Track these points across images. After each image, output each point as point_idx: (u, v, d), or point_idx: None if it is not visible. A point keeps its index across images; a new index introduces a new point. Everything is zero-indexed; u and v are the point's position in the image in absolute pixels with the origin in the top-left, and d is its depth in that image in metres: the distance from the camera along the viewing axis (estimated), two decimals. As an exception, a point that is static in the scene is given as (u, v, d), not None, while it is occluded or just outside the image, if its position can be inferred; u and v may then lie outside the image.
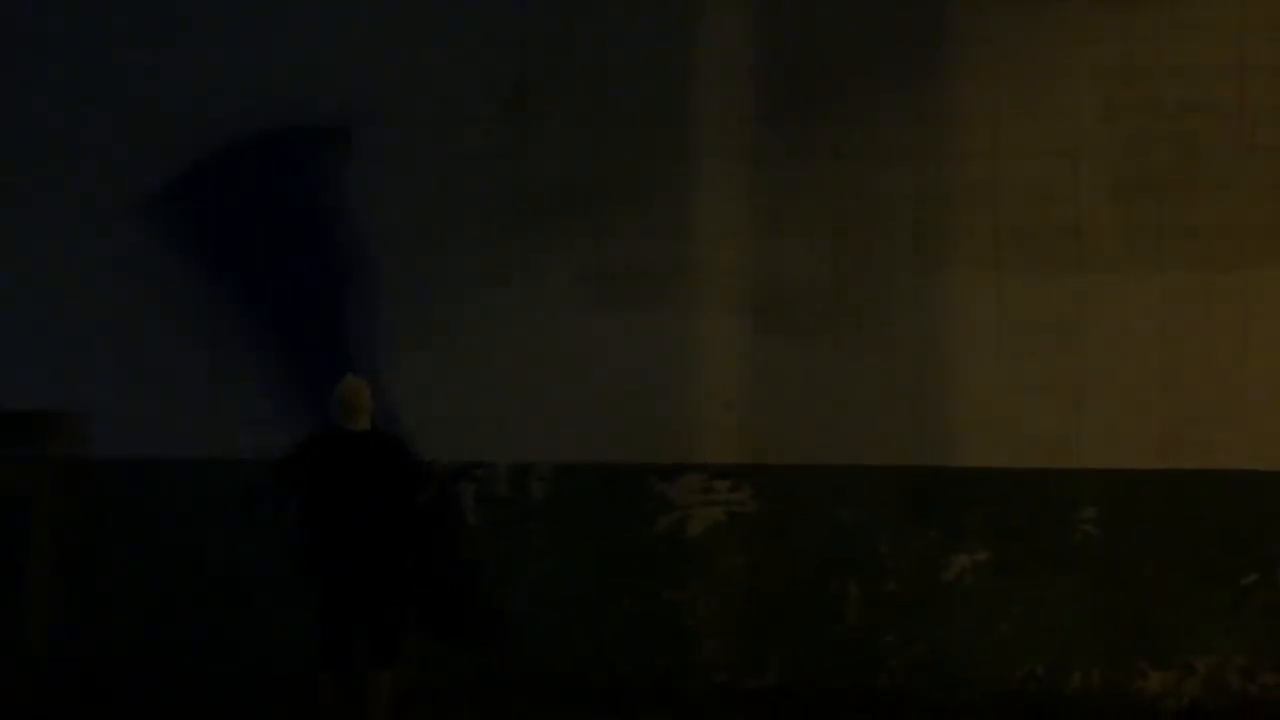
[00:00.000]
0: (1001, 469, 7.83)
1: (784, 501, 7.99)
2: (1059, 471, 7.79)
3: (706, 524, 8.04)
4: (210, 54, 8.49)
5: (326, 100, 8.35)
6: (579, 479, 8.10)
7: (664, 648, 8.00)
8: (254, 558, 8.15)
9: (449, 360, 8.20)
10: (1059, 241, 7.91)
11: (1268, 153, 7.74)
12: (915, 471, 7.90)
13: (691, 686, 7.96)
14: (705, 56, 8.22)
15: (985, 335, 7.93)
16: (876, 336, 8.00)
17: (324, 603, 6.85)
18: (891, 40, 8.09)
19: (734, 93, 8.19)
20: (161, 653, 8.24)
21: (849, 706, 7.75)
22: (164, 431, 8.33)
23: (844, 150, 8.05)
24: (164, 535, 8.36)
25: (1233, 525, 7.67)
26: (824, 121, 8.09)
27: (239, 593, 8.23)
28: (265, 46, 8.45)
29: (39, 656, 8.23)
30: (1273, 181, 7.74)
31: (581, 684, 7.92)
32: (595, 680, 7.94)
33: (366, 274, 8.34)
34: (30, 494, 8.32)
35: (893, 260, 8.03)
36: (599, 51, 8.29)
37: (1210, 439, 7.69)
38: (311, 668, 6.89)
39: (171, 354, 8.40)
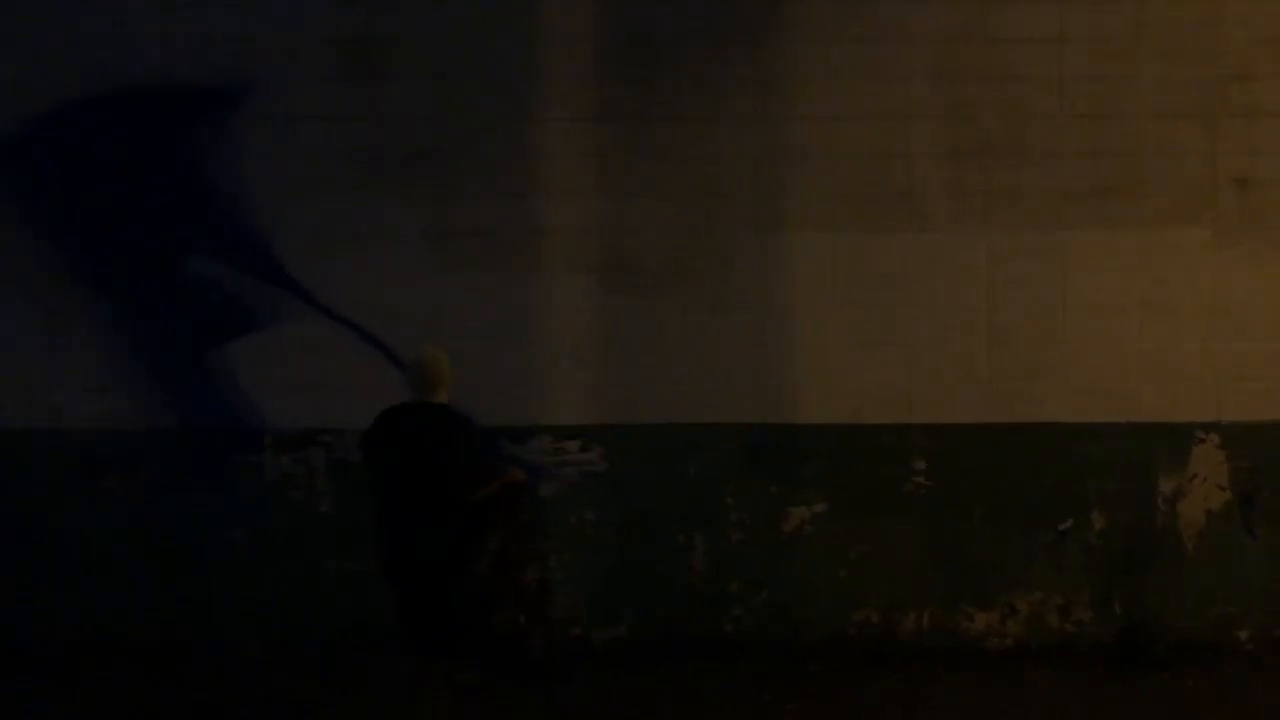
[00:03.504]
0: (837, 424, 8.13)
1: (632, 459, 8.19)
2: (892, 426, 8.12)
3: (559, 483, 8.21)
4: (38, 17, 8.16)
5: (162, 63, 8.14)
6: (429, 442, 8.17)
7: (518, 604, 8.21)
8: (96, 527, 8.14)
9: (295, 324, 8.17)
10: (891, 203, 8.17)
11: (1084, 120, 8.09)
12: (757, 427, 8.16)
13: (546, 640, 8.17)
14: (549, 18, 8.21)
15: (822, 294, 8.18)
16: (718, 296, 8.18)
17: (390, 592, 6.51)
18: (731, 3, 8.19)
19: (578, 55, 8.21)
20: (3, 622, 8.15)
21: (696, 654, 8.03)
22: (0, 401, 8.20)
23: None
24: (2, 506, 8.21)
25: (1052, 473, 8.12)
26: (665, 84, 8.20)
27: (82, 562, 8.16)
28: (97, 8, 8.16)
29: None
30: (1089, 147, 8.08)
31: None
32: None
33: (206, 239, 8.24)
34: None
35: (733, 221, 8.20)
36: (441, 10, 8.21)
37: (1032, 393, 8.11)
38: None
39: (6, 321, 8.21)
